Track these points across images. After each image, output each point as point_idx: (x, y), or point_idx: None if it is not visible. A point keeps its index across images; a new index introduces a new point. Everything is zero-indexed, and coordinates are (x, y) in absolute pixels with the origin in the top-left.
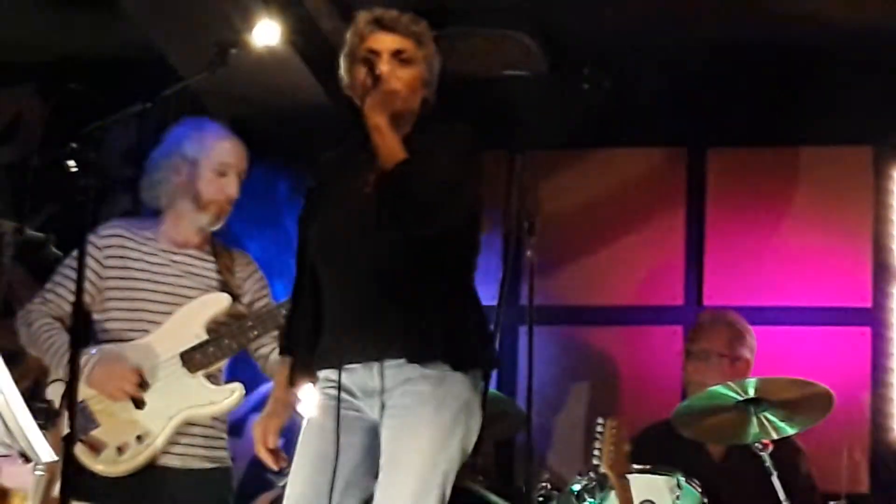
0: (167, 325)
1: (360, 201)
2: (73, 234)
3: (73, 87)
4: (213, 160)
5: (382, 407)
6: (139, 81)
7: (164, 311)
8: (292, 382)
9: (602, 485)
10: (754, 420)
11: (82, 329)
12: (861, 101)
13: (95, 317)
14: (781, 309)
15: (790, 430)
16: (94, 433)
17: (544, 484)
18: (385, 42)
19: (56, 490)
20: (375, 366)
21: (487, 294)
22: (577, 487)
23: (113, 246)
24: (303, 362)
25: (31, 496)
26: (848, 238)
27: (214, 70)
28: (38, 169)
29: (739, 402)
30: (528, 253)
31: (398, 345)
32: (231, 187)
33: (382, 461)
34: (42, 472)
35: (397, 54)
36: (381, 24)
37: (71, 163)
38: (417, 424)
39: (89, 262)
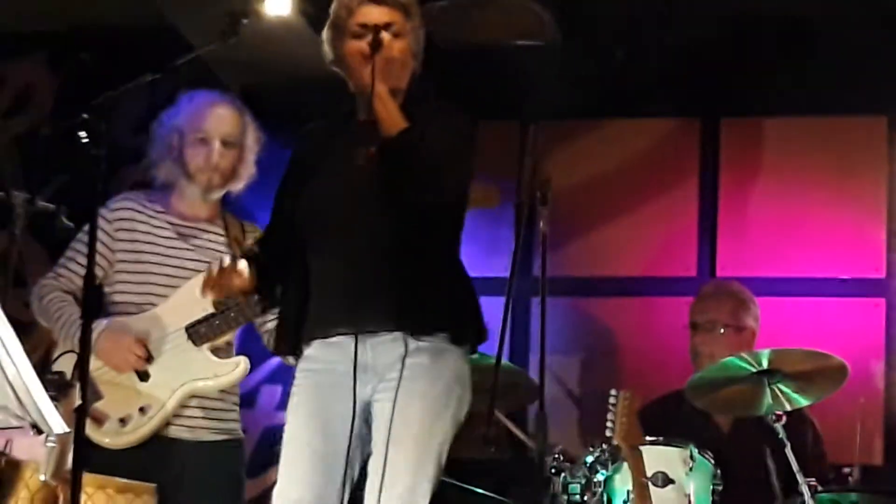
0: (174, 298)
1: (353, 174)
2: (83, 205)
3: (83, 58)
4: (193, 127)
5: (378, 382)
6: (150, 51)
7: (172, 284)
8: (278, 350)
9: (615, 456)
10: (768, 392)
11: (95, 301)
12: (876, 71)
13: (106, 289)
14: (795, 280)
15: (804, 402)
16: (97, 405)
17: (556, 455)
18: (374, 15)
19: (68, 462)
20: (369, 339)
21: (500, 265)
22: (589, 459)
23: (123, 219)
24: (288, 332)
25: (43, 468)
26: (862, 208)
27: (226, 40)
28: (49, 139)
29: (753, 373)
30: (541, 224)
31: (395, 318)
32: (216, 155)
33: (377, 437)
34: (54, 444)
35: (387, 27)
36: None
37: (82, 133)
38: (413, 398)
39: (100, 235)
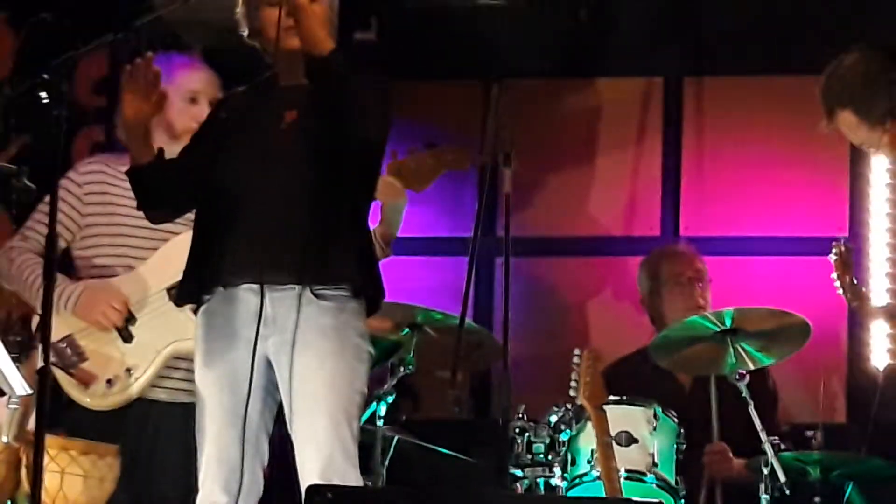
0: (153, 260)
1: (274, 136)
2: (45, 166)
3: (44, 17)
4: (182, 88)
5: (279, 337)
6: (111, 11)
7: (149, 246)
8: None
9: (578, 416)
10: (731, 350)
11: (56, 262)
12: (835, 30)
13: (77, 252)
14: (758, 239)
15: (767, 361)
16: (83, 366)
17: (520, 415)
18: None
19: (31, 423)
20: (269, 292)
21: (463, 226)
22: (553, 419)
23: (93, 182)
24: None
25: (5, 430)
26: (825, 167)
27: (188, 0)
28: (9, 100)
29: (716, 332)
30: (505, 184)
31: (297, 271)
32: (204, 115)
33: (289, 400)
34: (16, 406)
35: None
36: None
37: (42, 94)
38: (323, 358)
39: (68, 198)
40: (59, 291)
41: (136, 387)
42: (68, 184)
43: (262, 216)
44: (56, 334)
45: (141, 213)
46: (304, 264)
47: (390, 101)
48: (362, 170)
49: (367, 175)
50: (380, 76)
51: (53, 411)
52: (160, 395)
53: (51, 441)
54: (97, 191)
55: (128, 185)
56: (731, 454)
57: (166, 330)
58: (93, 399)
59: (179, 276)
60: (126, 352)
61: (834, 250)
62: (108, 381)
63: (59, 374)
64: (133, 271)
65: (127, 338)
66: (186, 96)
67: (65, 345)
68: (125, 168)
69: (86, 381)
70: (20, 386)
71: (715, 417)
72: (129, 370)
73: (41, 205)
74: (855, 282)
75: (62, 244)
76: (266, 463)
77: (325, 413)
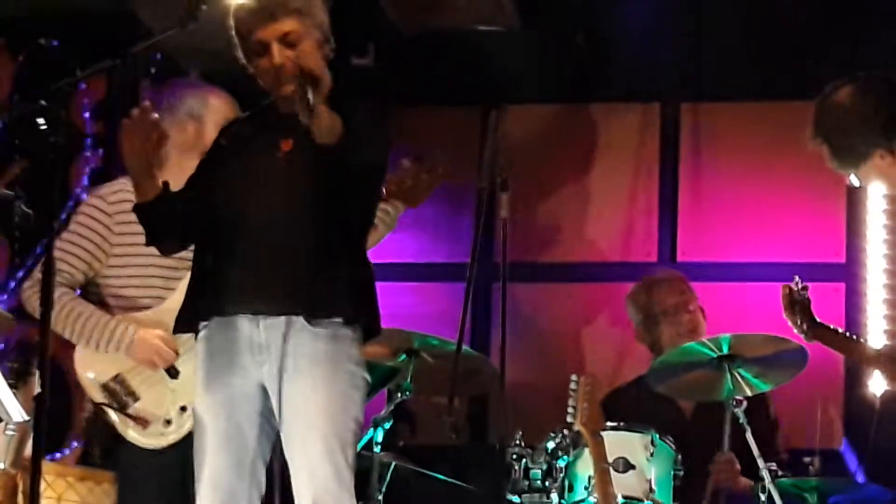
0: (179, 293)
1: (271, 163)
2: (42, 192)
3: (42, 43)
4: (218, 115)
5: (274, 364)
6: (109, 37)
7: (175, 276)
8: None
9: (576, 442)
10: (728, 376)
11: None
12: (832, 57)
13: (102, 281)
14: (755, 265)
15: (764, 387)
16: (137, 406)
17: (518, 441)
18: (270, 32)
19: (28, 450)
20: (262, 320)
21: (460, 251)
22: (550, 445)
23: (123, 212)
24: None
25: (2, 456)
26: (822, 193)
27: (185, 26)
28: (7, 126)
29: (714, 358)
30: (502, 209)
31: (292, 301)
32: (208, 133)
33: (284, 427)
34: (13, 433)
35: (284, 38)
36: (261, 16)
37: (40, 120)
38: (316, 385)
39: (98, 227)
40: (112, 329)
41: (188, 424)
42: (97, 213)
43: (257, 245)
44: (104, 374)
45: None
46: (297, 295)
47: (389, 126)
48: (361, 197)
49: (366, 202)
50: (377, 101)
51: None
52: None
53: (47, 467)
54: (126, 220)
55: None
56: (738, 465)
57: None
58: (151, 439)
59: None
60: (175, 389)
61: (783, 290)
62: (167, 422)
63: (115, 416)
64: (162, 305)
65: (174, 374)
66: (221, 123)
67: (117, 385)
68: None
69: (144, 421)
70: (17, 412)
71: (727, 434)
72: (183, 408)
73: (66, 233)
74: (806, 326)
75: (90, 273)
76: (263, 490)
77: (319, 439)
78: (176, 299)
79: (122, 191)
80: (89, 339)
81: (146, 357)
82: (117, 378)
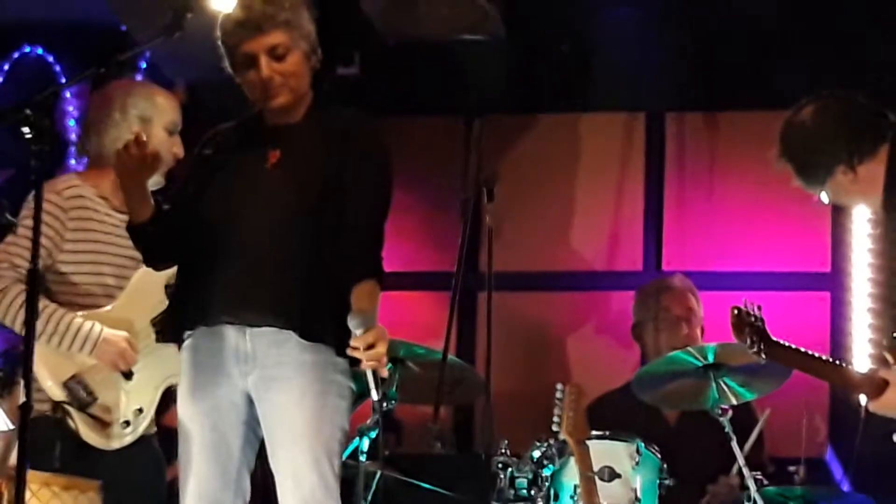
0: (129, 292)
1: (259, 174)
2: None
3: (27, 52)
4: (165, 119)
5: (259, 374)
6: (94, 46)
7: (123, 275)
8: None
9: (561, 451)
10: (714, 385)
11: (38, 296)
12: (817, 66)
13: (52, 275)
14: (741, 274)
15: (750, 396)
16: (96, 407)
17: (503, 450)
18: (257, 45)
19: (12, 459)
20: (249, 330)
21: (446, 260)
22: (536, 454)
23: (76, 208)
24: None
25: None
26: (807, 203)
27: (170, 35)
28: None
29: (699, 367)
30: (487, 219)
31: (279, 314)
32: (179, 146)
33: (270, 436)
34: None
35: (272, 51)
36: (248, 28)
37: (25, 129)
38: (302, 394)
39: (51, 220)
40: (78, 327)
41: (143, 426)
42: (51, 206)
43: (243, 255)
44: (61, 374)
45: (116, 234)
46: (288, 312)
47: (391, 177)
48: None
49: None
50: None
51: (66, 454)
52: (151, 430)
53: (32, 476)
54: (79, 216)
55: (102, 209)
56: (739, 491)
57: (160, 366)
58: (110, 441)
59: (159, 309)
60: (130, 390)
61: (731, 312)
62: (126, 423)
63: (76, 416)
64: (115, 304)
65: (129, 376)
66: (168, 127)
67: (76, 384)
68: (97, 187)
69: (104, 422)
70: (1, 422)
71: (737, 449)
72: (139, 410)
73: (20, 229)
74: (761, 346)
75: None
76: (248, 499)
77: (305, 448)
78: (122, 304)
79: (74, 186)
80: (51, 337)
81: (111, 359)
82: (76, 377)
